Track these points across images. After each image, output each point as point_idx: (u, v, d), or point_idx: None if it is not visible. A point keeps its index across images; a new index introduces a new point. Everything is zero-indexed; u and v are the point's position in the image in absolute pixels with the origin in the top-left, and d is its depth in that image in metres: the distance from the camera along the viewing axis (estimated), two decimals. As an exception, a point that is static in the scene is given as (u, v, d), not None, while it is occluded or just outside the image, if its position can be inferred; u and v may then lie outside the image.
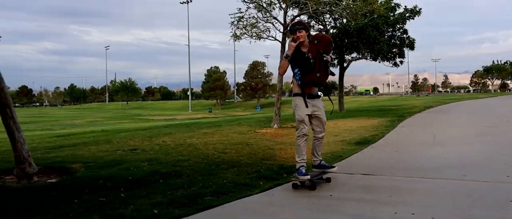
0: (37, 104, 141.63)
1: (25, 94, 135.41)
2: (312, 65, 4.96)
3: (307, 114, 5.08)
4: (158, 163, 6.54)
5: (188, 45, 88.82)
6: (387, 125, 12.93)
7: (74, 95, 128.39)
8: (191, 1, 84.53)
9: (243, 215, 4.19)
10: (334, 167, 5.48)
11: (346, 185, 5.28)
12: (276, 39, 12.32)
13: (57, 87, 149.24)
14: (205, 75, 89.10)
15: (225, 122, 15.79)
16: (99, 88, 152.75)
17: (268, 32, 11.89)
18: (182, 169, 6.10)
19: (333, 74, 5.29)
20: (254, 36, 11.89)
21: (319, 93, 5.25)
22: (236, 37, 12.10)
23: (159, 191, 4.87)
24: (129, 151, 8.00)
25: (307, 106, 5.06)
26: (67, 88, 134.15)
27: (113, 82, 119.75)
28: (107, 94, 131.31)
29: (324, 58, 4.92)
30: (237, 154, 7.61)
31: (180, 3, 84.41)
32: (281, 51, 12.21)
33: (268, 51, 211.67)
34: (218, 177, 5.64)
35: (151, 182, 5.32)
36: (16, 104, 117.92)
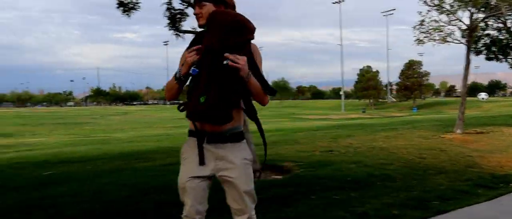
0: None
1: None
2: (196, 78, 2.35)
3: (197, 177, 2.48)
4: (364, 166, 6.92)
5: (341, 45, 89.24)
6: None
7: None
8: (344, 1, 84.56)
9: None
10: None
11: None
12: (460, 42, 11.88)
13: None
14: (357, 74, 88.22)
15: (397, 125, 15.64)
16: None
17: (453, 35, 11.54)
18: (391, 173, 6.39)
19: (271, 92, 2.43)
20: (438, 40, 11.64)
21: (239, 129, 2.50)
22: (419, 41, 11.96)
23: (382, 193, 5.22)
24: (326, 152, 8.53)
25: (201, 161, 2.46)
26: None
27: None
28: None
29: (225, 62, 2.21)
30: (436, 160, 7.64)
31: (332, 3, 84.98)
32: (466, 55, 11.86)
33: (422, 49, 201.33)
34: (431, 182, 5.81)
35: (370, 184, 5.71)
36: (180, 101, 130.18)
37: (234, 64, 2.19)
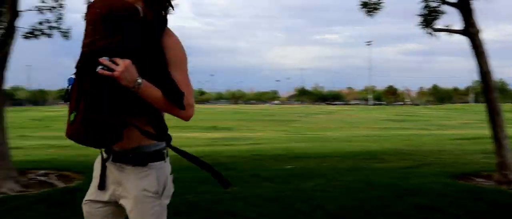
0: (401, 103, 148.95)
1: (391, 93, 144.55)
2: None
3: (96, 201, 1.95)
4: None
5: None
6: None
7: (438, 95, 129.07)
8: None
9: None
10: None
11: None
12: None
13: (421, 87, 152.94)
14: None
15: None
16: (463, 88, 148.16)
17: None
18: None
19: (178, 103, 1.77)
20: None
21: (148, 149, 1.87)
22: None
23: None
24: None
25: (101, 184, 1.93)
26: (429, 88, 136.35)
27: (478, 82, 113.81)
28: (473, 95, 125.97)
29: (97, 69, 1.62)
30: None
31: None
32: None
33: None
34: None
35: None
36: (382, 102, 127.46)
37: (106, 72, 1.61)
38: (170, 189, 1.94)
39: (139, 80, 1.67)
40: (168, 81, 1.74)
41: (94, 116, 1.65)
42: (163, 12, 1.86)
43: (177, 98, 1.74)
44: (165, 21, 1.84)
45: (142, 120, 1.79)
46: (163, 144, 1.89)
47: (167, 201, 1.91)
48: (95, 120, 1.66)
